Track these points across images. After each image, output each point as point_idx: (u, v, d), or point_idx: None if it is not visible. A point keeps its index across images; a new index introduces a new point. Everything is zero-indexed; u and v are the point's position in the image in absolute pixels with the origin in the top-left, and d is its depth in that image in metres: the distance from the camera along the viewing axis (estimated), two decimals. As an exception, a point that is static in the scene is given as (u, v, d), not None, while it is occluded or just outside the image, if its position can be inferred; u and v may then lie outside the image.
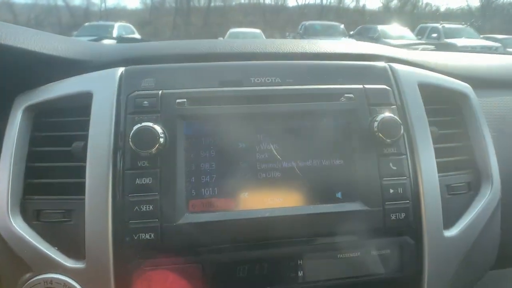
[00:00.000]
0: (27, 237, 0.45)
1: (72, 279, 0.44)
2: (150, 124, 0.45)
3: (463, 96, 0.59)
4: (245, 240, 0.47)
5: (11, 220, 0.45)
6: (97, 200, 0.45)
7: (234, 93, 0.50)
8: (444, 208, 0.51)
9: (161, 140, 0.45)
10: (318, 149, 0.50)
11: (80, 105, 0.50)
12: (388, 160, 0.49)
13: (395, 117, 0.49)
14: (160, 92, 0.49)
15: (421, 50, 1.03)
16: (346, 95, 0.51)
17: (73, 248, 0.46)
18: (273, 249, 0.47)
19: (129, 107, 0.48)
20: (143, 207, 0.45)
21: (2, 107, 0.52)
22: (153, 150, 0.44)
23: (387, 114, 0.49)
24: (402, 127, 0.48)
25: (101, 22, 12.14)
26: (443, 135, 0.57)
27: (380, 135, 0.48)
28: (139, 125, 0.44)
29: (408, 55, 0.65)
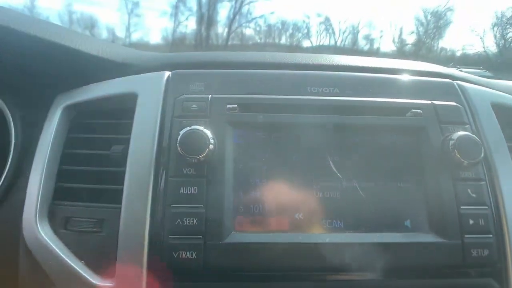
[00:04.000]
0: (53, 246, 0.39)
1: None
2: (201, 127, 0.40)
3: None
4: (300, 269, 0.40)
5: (38, 226, 0.40)
6: (135, 209, 0.40)
7: (289, 101, 0.46)
8: None
9: (211, 146, 0.40)
10: (383, 168, 0.44)
11: (122, 108, 0.47)
12: (466, 185, 0.43)
13: (474, 136, 0.43)
14: (210, 96, 0.45)
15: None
16: (413, 110, 0.46)
17: (101, 264, 0.40)
18: (331, 283, 0.40)
19: (177, 110, 0.44)
20: (186, 220, 0.39)
21: (42, 106, 0.49)
22: (202, 156, 0.39)
23: (463, 132, 0.43)
24: (483, 147, 0.42)
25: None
26: None
27: (457, 155, 0.42)
28: (188, 128, 0.40)
29: (475, 77, 0.60)
